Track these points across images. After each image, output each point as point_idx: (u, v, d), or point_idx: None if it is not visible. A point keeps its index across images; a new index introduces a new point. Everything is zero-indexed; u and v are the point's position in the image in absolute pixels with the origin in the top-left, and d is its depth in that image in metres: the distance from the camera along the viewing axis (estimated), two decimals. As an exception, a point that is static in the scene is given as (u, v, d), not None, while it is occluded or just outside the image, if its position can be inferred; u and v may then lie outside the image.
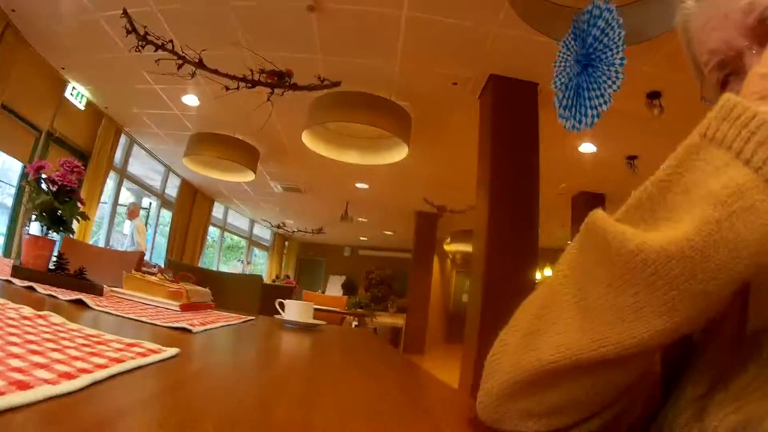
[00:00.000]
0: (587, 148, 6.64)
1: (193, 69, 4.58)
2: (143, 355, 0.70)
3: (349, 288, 11.08)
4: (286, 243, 17.45)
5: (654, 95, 5.10)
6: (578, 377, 0.51)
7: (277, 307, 2.00)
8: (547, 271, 14.16)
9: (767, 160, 0.42)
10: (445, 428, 0.68)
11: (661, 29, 3.64)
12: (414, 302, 10.54)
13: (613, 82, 2.73)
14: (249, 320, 1.92)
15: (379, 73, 4.95)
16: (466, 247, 11.10)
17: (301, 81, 4.78)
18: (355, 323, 8.88)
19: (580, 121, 2.98)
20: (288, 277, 14.83)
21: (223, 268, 14.16)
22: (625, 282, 0.45)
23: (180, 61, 4.51)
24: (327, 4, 3.99)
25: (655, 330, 0.43)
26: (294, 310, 1.96)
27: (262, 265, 16.90)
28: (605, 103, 2.80)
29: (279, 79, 4.74)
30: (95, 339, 0.75)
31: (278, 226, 15.10)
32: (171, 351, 0.77)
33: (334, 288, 14.26)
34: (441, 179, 8.20)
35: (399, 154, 6.01)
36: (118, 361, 0.62)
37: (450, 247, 12.16)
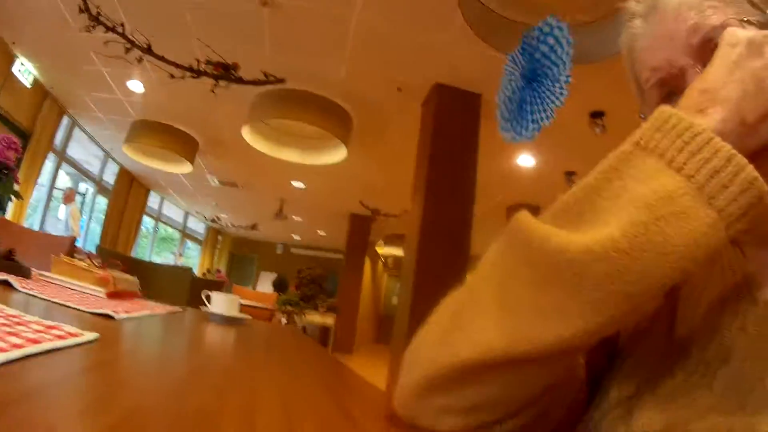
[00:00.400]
0: (526, 161, 6.78)
1: (141, 54, 4.46)
2: (61, 337, 0.68)
3: (280, 285, 11.00)
4: (220, 237, 17.16)
5: (597, 114, 5.27)
6: (496, 375, 0.51)
7: (203, 298, 1.98)
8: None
9: (700, 170, 0.43)
10: (361, 423, 0.67)
11: (610, 51, 3.72)
12: (344, 302, 10.56)
13: (557, 98, 2.77)
14: (175, 311, 1.90)
15: (325, 73, 4.91)
16: (399, 251, 11.22)
17: (246, 75, 4.71)
18: (284, 320, 8.80)
19: (520, 134, 3.01)
20: (219, 271, 14.64)
21: (156, 260, 13.79)
22: (547, 281, 0.45)
23: (129, 45, 4.39)
24: (280, 0, 3.92)
25: (576, 330, 0.43)
26: (220, 303, 1.94)
27: (194, 259, 16.51)
28: (547, 117, 2.84)
29: (224, 71, 4.66)
30: (15, 320, 0.73)
31: (213, 220, 14.83)
32: (90, 335, 0.76)
33: (265, 285, 14.20)
34: (377, 183, 8.23)
35: (338, 155, 6.01)
36: (35, 341, 0.61)
37: (383, 250, 12.20)
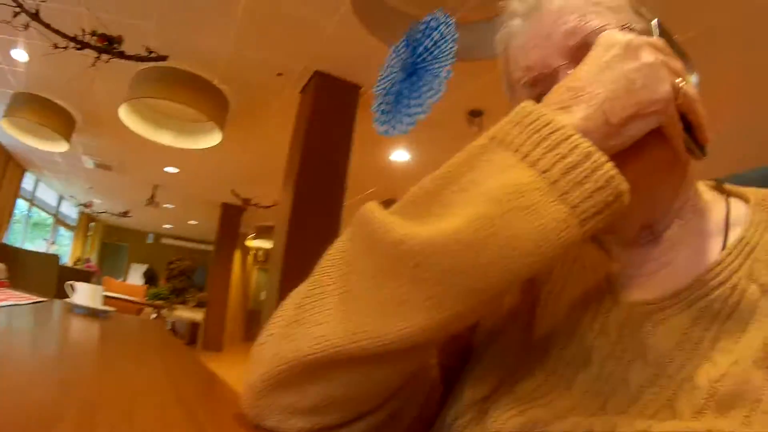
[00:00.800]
0: (400, 155, 6.83)
1: (28, 20, 4.06)
2: None
3: (150, 277, 10.67)
4: (92, 224, 15.87)
5: (476, 113, 5.39)
6: (340, 373, 0.48)
7: (66, 289, 1.97)
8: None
9: (555, 165, 0.42)
10: (205, 424, 0.62)
11: (495, 51, 3.82)
12: (213, 297, 10.13)
13: (435, 93, 2.72)
14: (39, 302, 1.89)
15: (208, 52, 4.66)
16: (269, 244, 11.02)
17: (129, 50, 4.35)
18: (153, 315, 8.45)
19: (394, 127, 2.97)
20: (89, 260, 13.82)
21: (30, 247, 12.83)
22: (389, 274, 0.43)
23: (18, 9, 3.94)
24: None
25: (419, 326, 0.42)
26: (83, 294, 1.91)
27: (66, 247, 15.15)
28: (423, 112, 2.79)
29: (108, 44, 4.30)
30: None
31: (85, 205, 13.83)
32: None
33: (136, 276, 13.75)
34: (251, 171, 8.00)
35: (212, 139, 5.76)
36: None
37: (253, 242, 11.97)
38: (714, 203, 0.64)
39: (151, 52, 4.37)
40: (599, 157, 0.42)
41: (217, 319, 10.11)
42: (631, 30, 0.59)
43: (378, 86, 3.23)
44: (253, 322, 13.06)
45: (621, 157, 0.46)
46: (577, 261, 0.67)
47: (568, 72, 0.57)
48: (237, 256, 11.55)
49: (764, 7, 3.67)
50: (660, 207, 0.60)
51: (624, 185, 0.42)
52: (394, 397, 0.55)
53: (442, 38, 2.80)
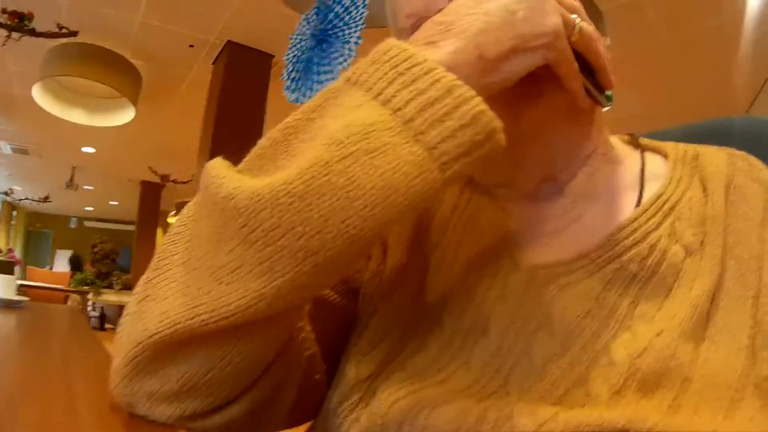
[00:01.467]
0: None
1: None
2: None
3: (75, 263, 10.27)
4: (14, 213, 15.16)
5: None
6: (195, 351, 0.41)
7: None
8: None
9: (411, 101, 0.35)
10: (82, 412, 0.60)
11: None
12: (139, 278, 9.73)
13: (345, 60, 2.63)
14: None
15: (119, 26, 4.43)
16: (191, 220, 10.79)
17: (40, 27, 4.11)
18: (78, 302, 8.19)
19: (305, 95, 2.88)
20: (12, 251, 13.19)
21: None
22: (221, 236, 0.37)
23: None
24: None
25: (254, 295, 0.35)
26: None
27: None
28: (333, 78, 2.67)
29: (19, 21, 4.04)
30: None
31: (5, 193, 13.09)
32: None
33: (62, 263, 13.06)
34: (167, 147, 7.73)
35: (126, 116, 5.51)
36: None
37: (174, 219, 11.71)
38: (628, 156, 0.59)
39: (62, 28, 4.17)
40: (465, 91, 0.36)
41: (146, 304, 9.76)
42: None
43: (288, 54, 3.13)
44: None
45: (512, 102, 0.43)
46: (472, 218, 0.59)
47: None
48: (160, 234, 11.16)
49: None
50: (562, 156, 0.54)
51: (495, 122, 0.36)
52: (266, 376, 0.47)
53: (353, 4, 2.72)
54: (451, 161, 0.35)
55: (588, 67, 0.47)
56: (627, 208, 0.52)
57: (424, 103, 0.35)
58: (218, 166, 0.41)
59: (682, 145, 0.58)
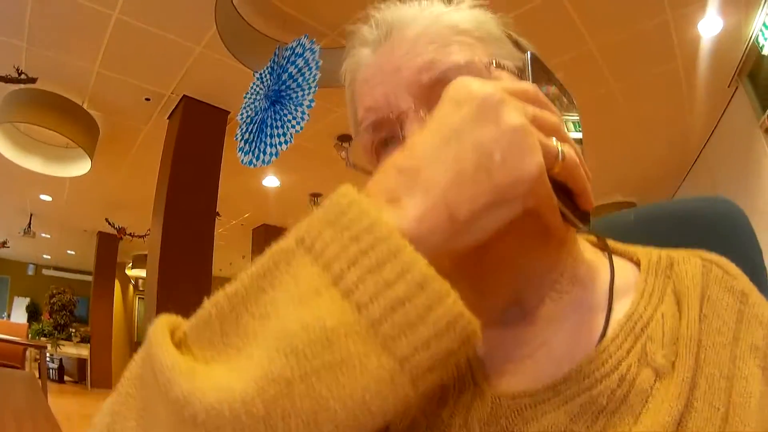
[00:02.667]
0: (271, 182, 6.75)
1: None
2: None
3: (32, 312, 9.94)
4: None
5: (344, 138, 5.40)
6: None
7: None
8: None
9: (377, 297, 0.30)
10: None
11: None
12: (97, 331, 9.38)
13: (298, 123, 2.62)
14: None
15: (77, 75, 4.36)
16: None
17: (1, 70, 4.03)
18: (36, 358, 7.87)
19: (257, 158, 2.84)
20: None
21: None
22: None
23: None
24: None
25: None
26: None
27: None
28: (286, 142, 2.68)
29: None
30: None
31: None
32: None
33: (20, 311, 12.73)
34: (124, 199, 7.60)
35: (81, 168, 5.39)
36: None
37: (132, 272, 11.43)
38: (597, 269, 0.55)
39: (21, 73, 4.10)
40: (439, 286, 0.31)
41: (103, 355, 9.44)
42: (500, 66, 0.48)
43: (241, 114, 3.10)
44: (140, 355, 12.51)
45: (465, 261, 0.38)
46: None
47: (419, 115, 0.48)
48: (117, 286, 10.88)
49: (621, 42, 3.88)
50: (530, 282, 0.50)
51: (473, 325, 0.32)
52: None
53: (307, 65, 2.71)
54: (424, 373, 0.30)
55: (566, 190, 0.41)
56: (596, 331, 0.48)
57: (393, 301, 0.30)
58: (165, 337, 0.34)
59: (655, 253, 0.54)
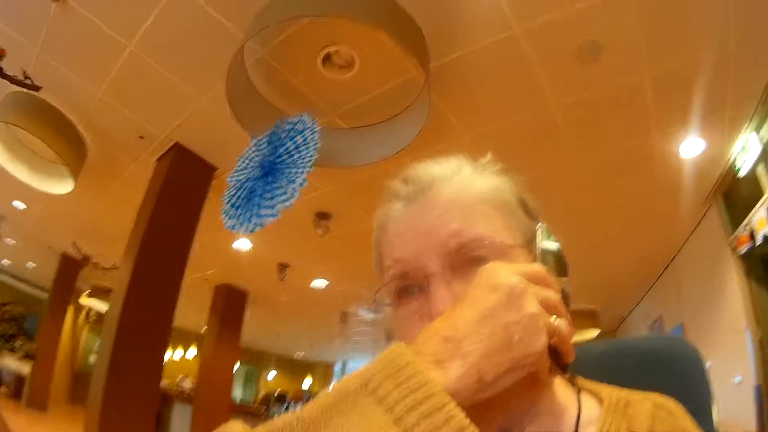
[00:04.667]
0: (243, 244, 6.77)
1: None
2: None
3: None
4: None
5: (323, 216, 5.47)
6: None
7: None
8: (180, 352, 13.74)
9: None
10: None
11: (351, 161, 3.87)
12: (43, 351, 9.08)
13: (288, 199, 2.64)
14: None
15: (81, 95, 4.36)
16: (103, 306, 10.26)
17: (9, 68, 3.96)
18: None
19: (242, 224, 2.84)
20: None
21: None
22: None
23: None
24: (72, 2, 3.39)
25: None
26: None
27: None
28: (273, 216, 2.69)
29: None
30: None
31: None
32: None
33: None
34: (96, 228, 7.47)
35: (64, 186, 5.30)
36: None
37: (87, 300, 11.11)
38: (567, 404, 0.66)
39: (27, 77, 4.04)
40: (472, 430, 0.40)
41: (44, 375, 9.12)
42: (514, 237, 0.62)
43: (232, 177, 3.12)
44: (79, 384, 12.04)
45: (483, 407, 0.46)
46: None
47: (443, 277, 0.59)
48: (71, 312, 10.56)
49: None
50: (517, 415, 0.61)
51: None
52: None
53: (305, 143, 2.75)
54: None
55: (555, 350, 0.52)
56: None
57: None
58: None
59: (615, 393, 0.66)
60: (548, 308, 0.51)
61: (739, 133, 4.18)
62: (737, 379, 4.62)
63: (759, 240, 4.15)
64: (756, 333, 4.45)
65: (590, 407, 0.65)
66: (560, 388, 0.68)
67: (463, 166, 0.68)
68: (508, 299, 0.48)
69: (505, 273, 0.51)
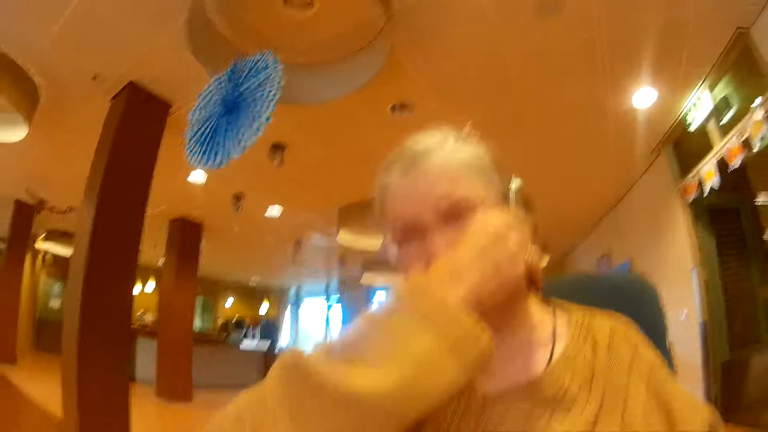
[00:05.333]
0: (197, 176, 6.75)
1: None
2: None
3: None
4: None
5: (278, 147, 5.50)
6: None
7: None
8: (138, 287, 13.52)
9: (450, 335, 0.55)
10: None
11: (313, 98, 3.89)
12: (5, 301, 8.94)
13: (253, 134, 2.69)
14: None
15: (30, 38, 4.14)
16: (61, 249, 10.06)
17: None
18: None
19: (208, 161, 2.89)
20: None
21: None
22: (339, 416, 0.50)
23: None
24: None
25: None
26: None
27: None
28: (239, 151, 2.75)
29: None
30: None
31: None
32: None
33: None
34: (50, 172, 7.29)
35: (16, 133, 5.06)
36: None
37: (43, 245, 10.85)
38: (543, 319, 0.84)
39: None
40: (480, 331, 0.56)
41: (7, 327, 9.03)
42: (492, 197, 0.80)
43: (193, 114, 3.12)
44: (43, 332, 11.87)
45: (483, 313, 0.61)
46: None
47: (439, 229, 0.76)
48: (29, 259, 10.34)
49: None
50: (501, 326, 0.75)
51: (493, 346, 0.57)
52: None
53: (268, 80, 2.77)
54: (471, 371, 0.55)
55: (528, 275, 0.72)
56: (543, 357, 0.78)
57: (460, 338, 0.55)
58: (319, 360, 0.55)
59: (581, 311, 0.85)
60: (522, 246, 0.69)
61: (692, 90, 4.40)
62: (683, 316, 4.99)
63: (707, 190, 4.47)
64: (701, 274, 4.83)
65: (562, 323, 0.84)
66: (536, 308, 0.85)
67: (449, 138, 0.84)
68: (494, 241, 0.66)
69: (491, 221, 0.69)
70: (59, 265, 12.36)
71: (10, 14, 3.89)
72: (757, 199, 5.09)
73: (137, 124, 4.53)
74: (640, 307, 0.97)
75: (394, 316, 0.58)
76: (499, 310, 0.67)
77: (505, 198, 0.82)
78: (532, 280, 0.73)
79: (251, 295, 18.34)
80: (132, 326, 9.20)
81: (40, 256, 12.71)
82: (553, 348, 0.79)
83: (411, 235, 0.79)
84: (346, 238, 7.27)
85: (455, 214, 0.76)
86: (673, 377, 0.75)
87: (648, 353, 0.76)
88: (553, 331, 0.82)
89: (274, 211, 8.20)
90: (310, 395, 0.52)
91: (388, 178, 0.83)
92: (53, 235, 10.01)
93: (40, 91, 4.84)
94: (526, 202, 0.83)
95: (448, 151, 0.81)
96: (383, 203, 0.84)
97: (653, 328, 0.90)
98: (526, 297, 0.82)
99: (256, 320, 17.21)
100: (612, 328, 0.80)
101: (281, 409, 0.53)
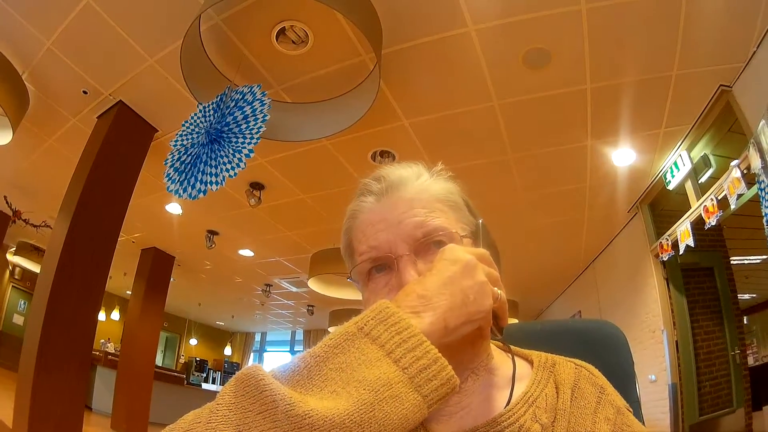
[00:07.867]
0: (173, 208, 6.71)
1: None
2: None
3: None
4: None
5: (257, 186, 5.52)
6: None
7: None
8: (102, 315, 13.32)
9: (413, 364, 0.54)
10: None
11: (298, 136, 3.92)
12: None
13: (233, 168, 2.68)
14: None
15: (29, 42, 4.16)
16: (30, 264, 9.92)
17: None
18: None
19: (185, 190, 2.85)
20: None
21: None
22: None
23: None
24: None
25: None
26: None
27: None
28: (217, 183, 2.73)
29: None
30: None
31: None
32: None
33: None
34: (28, 184, 7.19)
35: (2, 138, 4.98)
36: None
37: (13, 258, 10.68)
38: (502, 363, 0.84)
39: None
40: (443, 361, 0.56)
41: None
42: (464, 236, 0.79)
43: (176, 141, 3.11)
44: (4, 347, 11.63)
45: (449, 346, 0.61)
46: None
47: (411, 259, 0.76)
48: (-1, 270, 10.19)
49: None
50: (463, 366, 0.76)
51: (456, 380, 0.56)
52: None
53: (254, 114, 2.79)
54: (433, 404, 0.55)
55: (494, 314, 0.71)
56: (501, 402, 0.77)
57: (421, 367, 0.55)
58: (267, 377, 0.52)
59: (543, 355, 0.85)
60: (492, 281, 0.68)
61: (672, 150, 4.50)
62: (652, 377, 5.00)
63: (682, 249, 4.52)
64: (672, 335, 4.83)
65: (522, 366, 0.84)
66: (496, 352, 0.85)
67: (423, 172, 0.85)
68: (464, 269, 0.65)
69: (461, 251, 0.67)
70: (27, 280, 12.14)
71: (13, 12, 3.91)
72: (732, 258, 5.19)
73: (121, 145, 4.50)
74: (610, 351, 0.99)
75: (356, 340, 0.57)
76: (463, 346, 0.69)
77: (474, 235, 0.83)
78: (497, 319, 0.73)
79: (216, 336, 18.09)
80: (93, 353, 9.11)
81: (8, 270, 12.47)
82: (512, 390, 0.79)
83: (381, 266, 0.79)
84: (316, 285, 7.18)
85: (428, 244, 0.76)
86: (639, 423, 0.75)
87: (614, 396, 0.77)
88: (512, 374, 0.82)
89: (246, 251, 8.19)
90: (261, 410, 0.50)
91: (363, 203, 0.84)
92: (24, 249, 9.85)
93: (31, 97, 4.81)
94: (492, 244, 0.83)
95: (423, 183, 0.83)
96: (354, 230, 0.84)
97: (623, 370, 0.93)
98: (488, 336, 0.80)
99: (219, 363, 16.99)
100: (577, 371, 0.81)
101: (227, 423, 0.51)
